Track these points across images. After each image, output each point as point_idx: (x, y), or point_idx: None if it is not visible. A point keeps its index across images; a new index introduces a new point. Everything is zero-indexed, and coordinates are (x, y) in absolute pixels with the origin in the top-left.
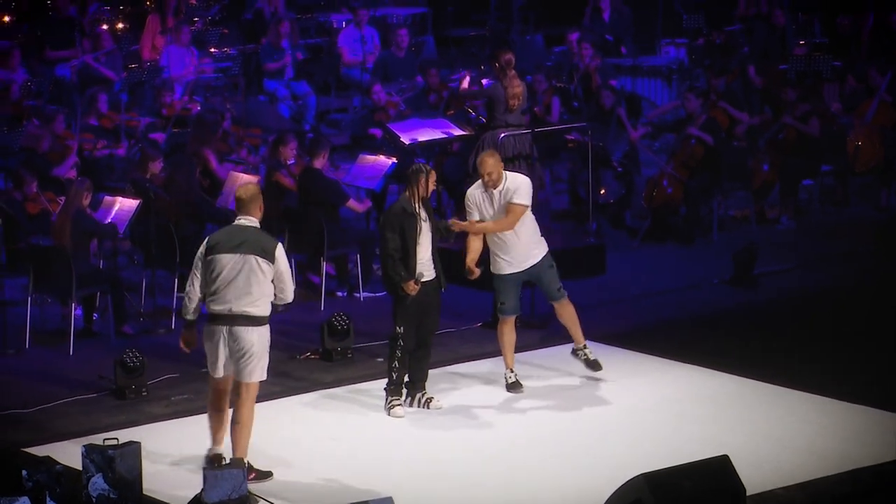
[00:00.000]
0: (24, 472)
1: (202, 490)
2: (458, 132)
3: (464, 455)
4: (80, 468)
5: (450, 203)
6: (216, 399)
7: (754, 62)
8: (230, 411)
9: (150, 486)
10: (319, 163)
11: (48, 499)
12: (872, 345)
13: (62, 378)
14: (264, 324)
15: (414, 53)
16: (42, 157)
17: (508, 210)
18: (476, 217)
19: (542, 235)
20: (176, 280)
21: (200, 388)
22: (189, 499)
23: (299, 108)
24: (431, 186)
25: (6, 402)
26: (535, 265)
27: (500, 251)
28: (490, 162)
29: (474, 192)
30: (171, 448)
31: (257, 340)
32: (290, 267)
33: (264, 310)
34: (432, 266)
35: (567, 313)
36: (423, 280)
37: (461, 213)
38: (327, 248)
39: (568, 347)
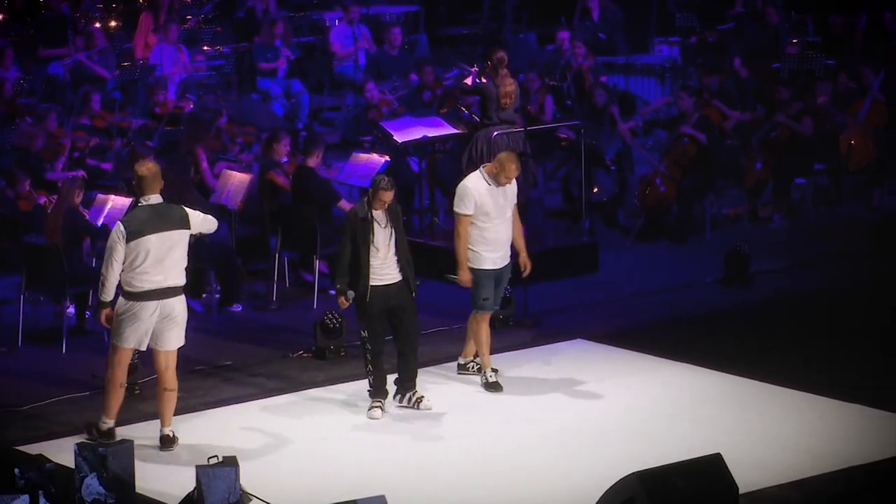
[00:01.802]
0: (16, 471)
1: (195, 489)
2: (450, 130)
3: (456, 454)
4: (73, 466)
5: (443, 202)
6: (122, 373)
7: (741, 55)
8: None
9: (142, 484)
10: (313, 161)
11: (41, 498)
12: (866, 344)
13: (55, 376)
14: (184, 291)
15: (407, 52)
16: (35, 156)
17: (516, 213)
18: (469, 211)
19: (532, 234)
20: None
21: (193, 386)
22: (181, 497)
23: (292, 106)
24: (381, 200)
25: None
26: (506, 265)
27: (489, 246)
28: (510, 165)
29: (478, 186)
30: None
31: (183, 308)
32: (283, 265)
33: (185, 277)
34: (396, 270)
35: (487, 326)
36: (387, 283)
37: (453, 210)
38: (320, 246)
39: (561, 346)
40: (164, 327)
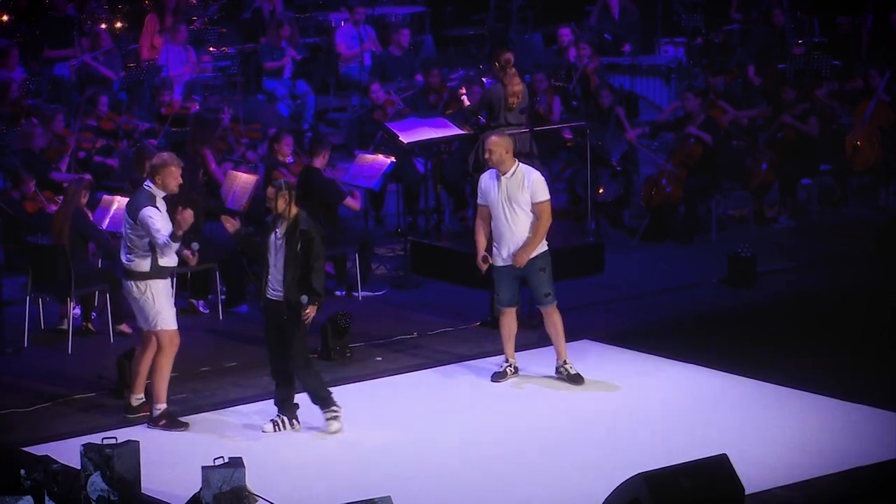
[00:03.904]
0: (22, 472)
1: (201, 489)
2: (456, 131)
3: (461, 455)
4: (79, 467)
5: (449, 202)
6: (140, 346)
7: (753, 61)
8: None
9: (148, 485)
10: (319, 162)
11: (47, 498)
12: (870, 344)
13: (61, 377)
14: (146, 278)
15: (412, 53)
16: (40, 156)
17: (538, 212)
18: (478, 200)
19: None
20: (175, 280)
21: (198, 387)
22: (188, 498)
23: (298, 107)
24: (273, 203)
25: (5, 401)
26: (523, 264)
27: (497, 242)
28: (492, 139)
29: (483, 176)
30: (170, 447)
31: (142, 293)
32: None
33: (141, 265)
34: (281, 289)
35: (551, 322)
36: (273, 299)
37: (459, 211)
38: (326, 248)
39: (571, 346)
40: (134, 309)
